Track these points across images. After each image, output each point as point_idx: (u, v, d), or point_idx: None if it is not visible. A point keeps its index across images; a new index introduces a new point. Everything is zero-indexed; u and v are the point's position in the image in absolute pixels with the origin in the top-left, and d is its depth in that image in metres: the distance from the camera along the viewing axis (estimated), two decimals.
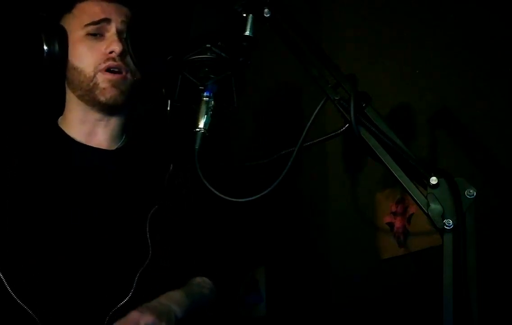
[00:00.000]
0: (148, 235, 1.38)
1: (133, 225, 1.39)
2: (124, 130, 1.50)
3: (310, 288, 2.17)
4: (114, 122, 1.47)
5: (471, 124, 1.67)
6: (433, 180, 0.97)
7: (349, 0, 2.15)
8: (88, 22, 1.43)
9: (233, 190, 1.04)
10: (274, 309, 2.30)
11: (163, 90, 1.17)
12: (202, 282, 1.45)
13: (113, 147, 1.48)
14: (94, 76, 1.42)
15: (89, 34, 1.43)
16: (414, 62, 1.85)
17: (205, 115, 1.08)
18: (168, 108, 1.20)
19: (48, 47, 1.42)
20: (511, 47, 1.59)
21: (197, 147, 1.07)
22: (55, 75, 1.46)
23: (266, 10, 1.09)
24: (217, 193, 1.01)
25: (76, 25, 1.44)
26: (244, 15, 1.09)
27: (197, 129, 1.08)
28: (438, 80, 1.78)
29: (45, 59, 1.42)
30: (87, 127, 1.46)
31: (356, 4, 2.11)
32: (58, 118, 1.51)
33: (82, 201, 1.39)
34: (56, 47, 1.42)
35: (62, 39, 1.43)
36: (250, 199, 1.02)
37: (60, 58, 1.42)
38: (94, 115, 1.45)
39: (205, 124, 1.08)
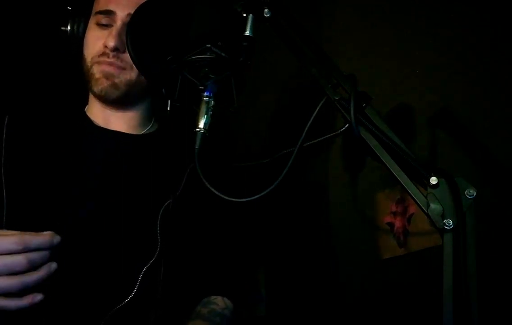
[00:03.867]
0: (158, 231, 1.31)
1: (145, 218, 1.32)
2: (149, 119, 1.48)
3: (310, 288, 2.17)
4: (129, 115, 1.45)
5: (471, 124, 1.67)
6: (433, 180, 0.97)
7: (349, 0, 2.15)
8: (96, 11, 1.41)
9: (234, 189, 1.04)
10: (274, 309, 2.30)
11: (163, 90, 1.17)
12: (223, 309, 1.41)
13: (134, 133, 1.44)
14: (91, 66, 1.39)
15: (98, 23, 1.39)
16: (414, 62, 1.85)
17: (205, 115, 1.08)
18: (168, 108, 1.20)
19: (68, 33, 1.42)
20: (511, 47, 1.59)
21: (197, 147, 1.07)
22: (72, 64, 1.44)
23: (266, 10, 1.09)
24: (217, 192, 1.01)
25: (92, 13, 1.42)
26: (244, 15, 1.09)
27: (197, 129, 1.08)
28: (438, 80, 1.77)
29: (66, 46, 1.42)
30: (104, 116, 1.44)
31: (356, 4, 2.11)
32: (86, 107, 1.49)
33: (96, 187, 1.33)
34: (70, 33, 1.41)
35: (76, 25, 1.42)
36: (251, 198, 1.01)
37: (75, 44, 1.42)
38: (107, 106, 1.43)
39: (205, 124, 1.08)
